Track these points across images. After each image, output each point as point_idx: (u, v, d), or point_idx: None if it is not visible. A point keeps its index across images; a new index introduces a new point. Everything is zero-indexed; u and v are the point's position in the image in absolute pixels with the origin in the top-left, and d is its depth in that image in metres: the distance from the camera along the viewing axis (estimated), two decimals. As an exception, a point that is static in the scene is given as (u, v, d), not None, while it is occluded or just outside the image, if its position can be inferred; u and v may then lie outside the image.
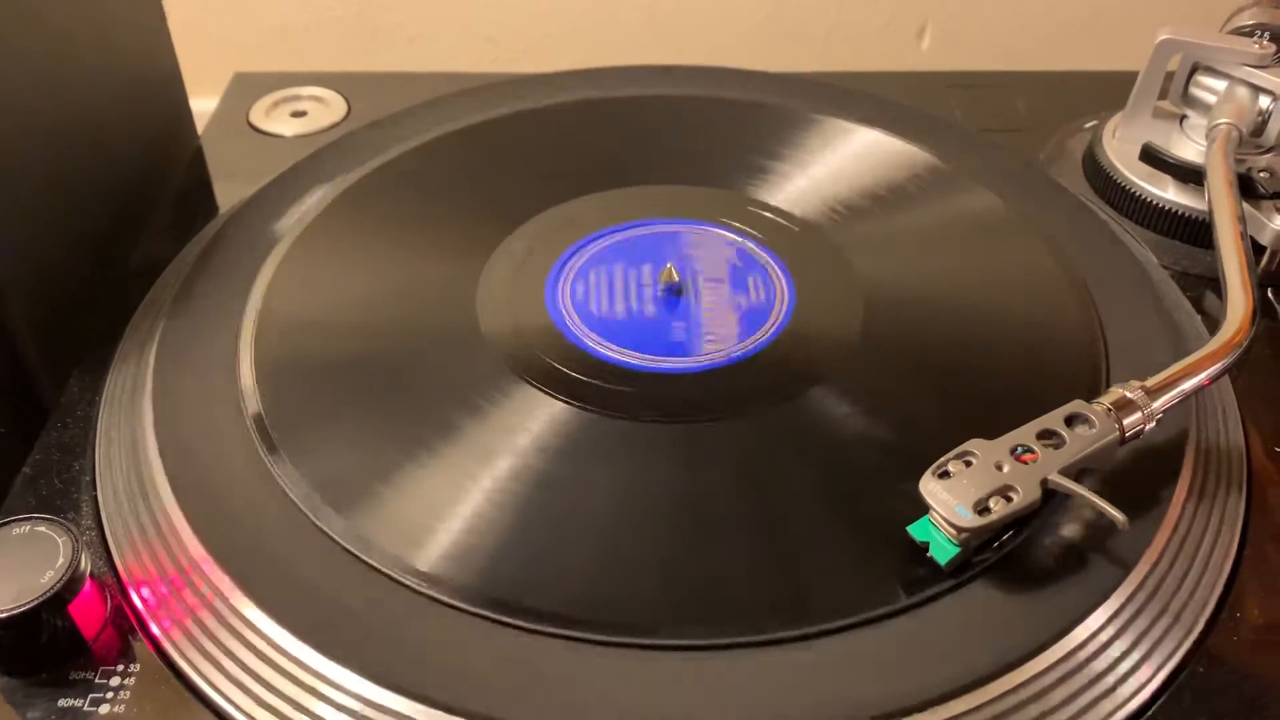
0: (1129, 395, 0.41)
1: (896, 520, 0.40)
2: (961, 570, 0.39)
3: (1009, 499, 0.38)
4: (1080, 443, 0.40)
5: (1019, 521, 0.40)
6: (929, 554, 0.39)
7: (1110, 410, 0.40)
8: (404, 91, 0.66)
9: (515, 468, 0.43)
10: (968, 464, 0.39)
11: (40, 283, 0.51)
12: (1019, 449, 0.39)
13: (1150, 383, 0.41)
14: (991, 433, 0.40)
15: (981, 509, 0.38)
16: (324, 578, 0.39)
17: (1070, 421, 0.40)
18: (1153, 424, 0.41)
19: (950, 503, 0.38)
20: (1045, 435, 0.40)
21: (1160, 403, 0.41)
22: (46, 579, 0.38)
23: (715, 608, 0.39)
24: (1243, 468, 0.46)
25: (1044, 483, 0.38)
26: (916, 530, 0.39)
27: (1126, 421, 0.40)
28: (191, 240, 0.58)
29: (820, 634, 0.38)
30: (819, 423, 0.45)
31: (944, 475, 0.39)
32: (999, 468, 0.39)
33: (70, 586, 0.38)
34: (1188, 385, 0.42)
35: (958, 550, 0.38)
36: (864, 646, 0.38)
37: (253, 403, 0.45)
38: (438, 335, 0.49)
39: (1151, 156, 0.59)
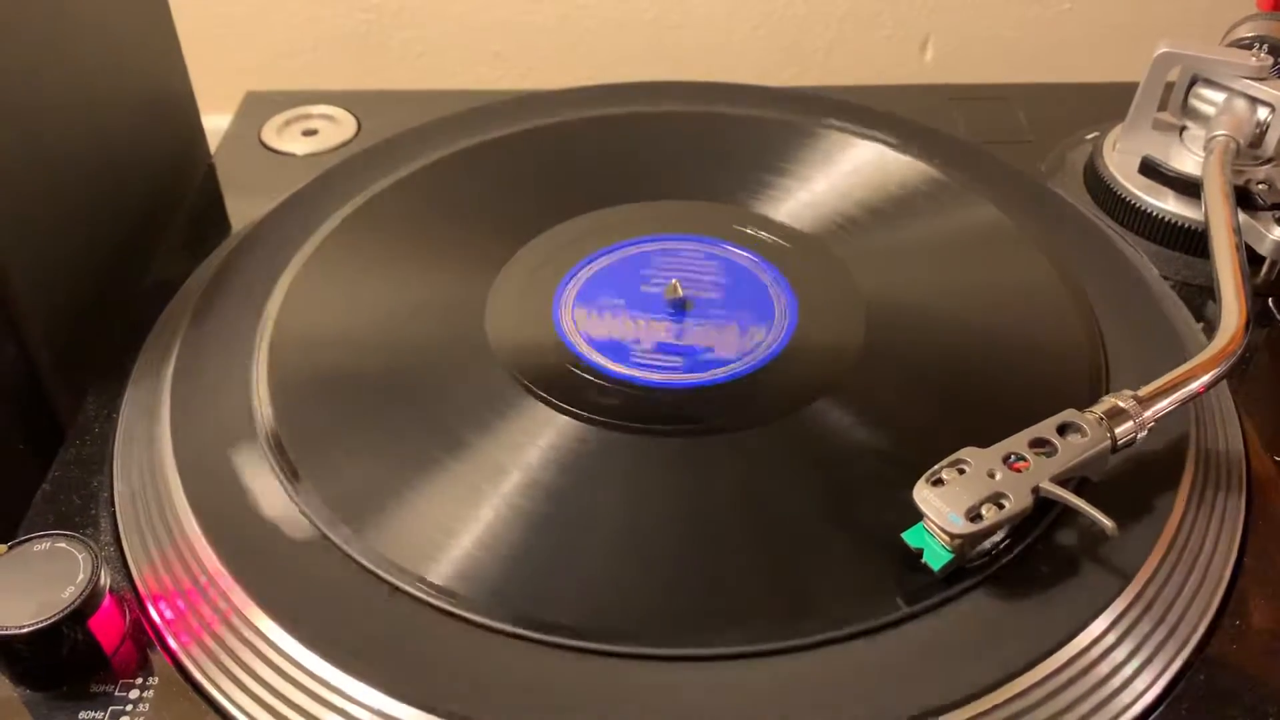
0: (1121, 404, 0.41)
1: (899, 530, 0.40)
2: (955, 577, 0.39)
3: (1001, 506, 0.39)
4: (1072, 451, 0.40)
5: (1018, 530, 0.40)
6: (922, 560, 0.39)
7: (1102, 419, 0.41)
8: (413, 109, 0.66)
9: (525, 482, 0.43)
10: (961, 472, 0.39)
11: (56, 301, 0.52)
12: (1011, 457, 0.40)
13: (1142, 392, 0.42)
14: (994, 443, 0.40)
15: (974, 516, 0.38)
16: (339, 592, 0.40)
17: (1063, 430, 0.41)
18: (1144, 433, 0.41)
19: (943, 510, 0.38)
20: (1037, 443, 0.40)
21: (1152, 412, 0.41)
22: (67, 595, 0.38)
23: (722, 618, 0.39)
24: (1243, 474, 0.46)
25: (1035, 490, 0.39)
26: (911, 537, 0.40)
27: (1118, 430, 0.41)
28: (206, 259, 0.58)
29: (823, 644, 0.38)
30: (823, 435, 0.45)
31: (937, 483, 0.39)
32: (991, 475, 0.39)
33: (90, 602, 0.38)
34: (1180, 394, 0.42)
35: (951, 557, 0.39)
36: (865, 656, 0.38)
37: (268, 419, 0.46)
38: (448, 352, 0.49)
39: (1150, 169, 0.59)
